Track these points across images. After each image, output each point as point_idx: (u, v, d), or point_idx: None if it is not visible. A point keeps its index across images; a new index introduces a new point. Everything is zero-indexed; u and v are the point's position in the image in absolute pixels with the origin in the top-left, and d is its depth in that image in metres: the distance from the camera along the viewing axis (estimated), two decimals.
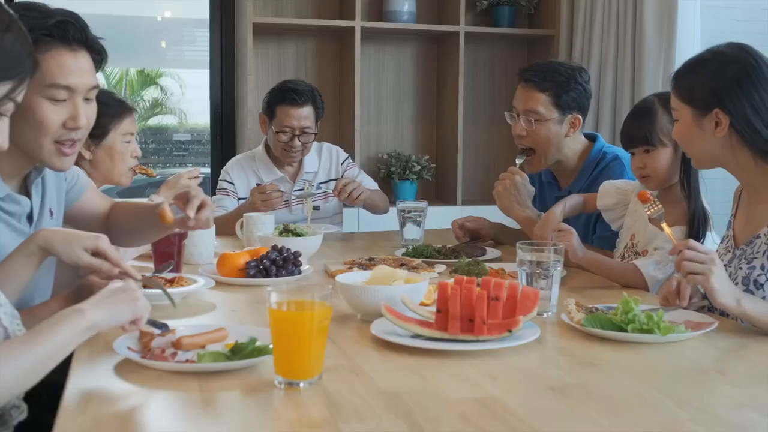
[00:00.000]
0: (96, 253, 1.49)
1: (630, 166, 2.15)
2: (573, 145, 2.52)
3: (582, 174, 2.51)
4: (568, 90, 2.45)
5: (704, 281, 1.53)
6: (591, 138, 2.56)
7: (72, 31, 1.56)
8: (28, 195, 1.67)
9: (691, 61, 1.77)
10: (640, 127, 2.05)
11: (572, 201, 2.26)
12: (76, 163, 2.14)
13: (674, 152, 2.02)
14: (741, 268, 1.69)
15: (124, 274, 1.51)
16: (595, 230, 2.43)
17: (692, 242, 1.57)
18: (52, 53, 1.54)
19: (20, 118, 1.50)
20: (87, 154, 2.31)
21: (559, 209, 2.19)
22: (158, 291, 1.65)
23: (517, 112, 2.50)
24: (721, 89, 1.66)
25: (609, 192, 2.25)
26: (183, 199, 1.80)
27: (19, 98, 1.30)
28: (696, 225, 1.98)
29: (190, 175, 2.60)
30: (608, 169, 2.46)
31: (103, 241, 1.50)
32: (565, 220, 2.21)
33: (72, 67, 1.56)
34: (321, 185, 3.16)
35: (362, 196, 2.89)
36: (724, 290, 1.53)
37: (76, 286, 1.59)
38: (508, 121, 2.55)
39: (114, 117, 2.33)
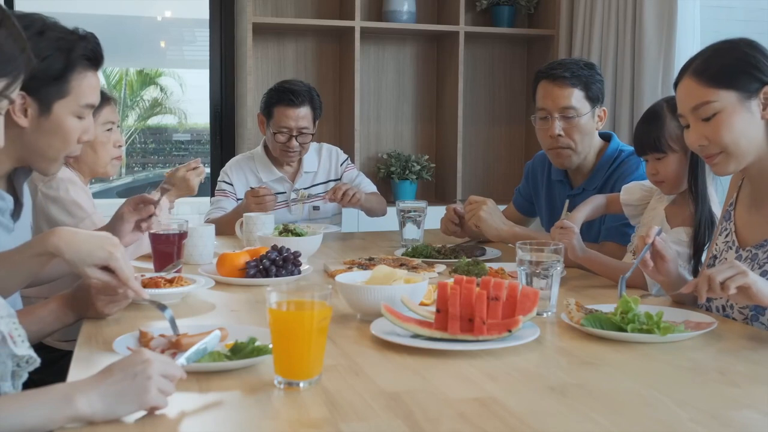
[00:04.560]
0: (106, 268, 1.48)
1: None
2: (594, 141, 2.52)
3: (597, 172, 2.50)
4: (594, 81, 2.46)
5: (747, 282, 1.44)
6: (605, 137, 2.56)
7: (100, 53, 1.68)
8: (14, 193, 1.70)
9: (708, 51, 1.67)
10: (648, 133, 2.03)
11: (595, 203, 2.26)
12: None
13: (684, 157, 2.01)
14: None
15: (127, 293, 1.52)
16: (604, 220, 2.43)
17: (709, 270, 1.50)
18: (88, 75, 1.65)
19: (48, 133, 1.62)
20: None
21: (582, 213, 2.18)
22: (159, 291, 1.66)
23: (548, 112, 2.46)
24: (762, 66, 1.61)
25: (633, 188, 2.24)
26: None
27: (14, 95, 1.30)
28: (702, 230, 1.97)
29: (189, 167, 2.60)
30: (625, 164, 2.45)
31: (114, 260, 1.46)
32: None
33: (96, 86, 1.69)
34: (319, 185, 3.16)
35: (357, 195, 2.89)
36: None
37: (75, 287, 1.59)
38: (535, 125, 2.51)
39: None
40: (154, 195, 2.47)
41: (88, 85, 1.65)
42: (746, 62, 1.61)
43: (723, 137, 1.62)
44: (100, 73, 1.72)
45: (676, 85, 1.71)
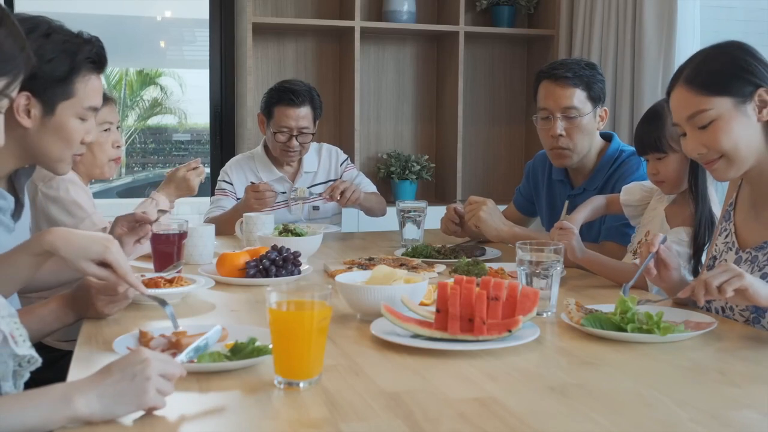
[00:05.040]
0: (103, 263, 1.48)
1: None
2: (595, 141, 2.52)
3: (598, 172, 2.50)
4: (595, 81, 2.46)
5: (744, 285, 1.43)
6: (606, 137, 2.56)
7: (104, 57, 1.71)
8: (15, 194, 1.72)
9: (698, 59, 1.67)
10: (648, 133, 2.03)
11: (595, 204, 2.26)
12: None
13: (685, 157, 2.00)
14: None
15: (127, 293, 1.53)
16: (604, 220, 2.43)
17: (705, 274, 1.50)
18: (92, 78, 1.68)
19: (51, 134, 1.65)
20: None
21: (581, 215, 2.18)
22: (159, 291, 1.66)
23: (549, 112, 2.46)
24: (754, 69, 1.60)
25: (633, 189, 2.24)
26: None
27: (14, 94, 1.30)
28: (702, 230, 1.97)
29: (189, 167, 2.60)
30: (625, 164, 2.45)
31: (111, 253, 1.47)
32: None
33: (99, 89, 1.72)
34: (319, 185, 3.16)
35: (354, 195, 2.88)
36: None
37: (75, 287, 1.59)
38: (537, 125, 2.51)
39: None
40: (149, 202, 2.47)
41: (92, 87, 1.68)
42: (737, 66, 1.61)
43: (722, 144, 1.61)
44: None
45: (668, 93, 1.70)
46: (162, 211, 2.29)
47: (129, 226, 1.91)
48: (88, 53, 1.65)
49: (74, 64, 1.63)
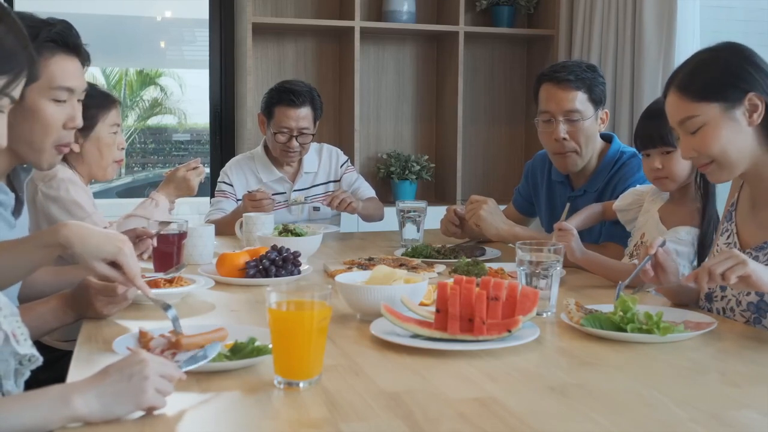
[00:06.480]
0: (114, 263, 1.47)
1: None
2: (596, 143, 2.51)
3: (599, 174, 2.49)
4: (596, 84, 2.46)
5: (747, 271, 1.44)
6: (606, 138, 2.56)
7: (71, 38, 1.66)
8: (14, 190, 1.71)
9: (690, 64, 1.68)
10: (657, 127, 2.01)
11: (590, 212, 2.26)
12: (65, 158, 2.19)
13: None
14: None
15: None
16: (605, 221, 2.42)
17: (708, 261, 1.50)
18: (56, 58, 1.63)
19: (26, 120, 1.60)
20: (76, 147, 2.30)
21: (575, 222, 2.18)
22: (159, 291, 1.66)
23: (551, 115, 2.45)
24: (744, 74, 1.61)
25: (626, 195, 2.25)
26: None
27: (15, 93, 1.28)
28: (710, 229, 1.97)
29: (188, 167, 2.60)
30: (626, 166, 2.45)
31: (123, 255, 1.46)
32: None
33: (72, 70, 1.65)
34: (319, 186, 3.16)
35: (352, 205, 2.89)
36: None
37: (75, 286, 1.59)
38: (538, 128, 2.51)
39: (101, 108, 2.34)
40: (149, 202, 2.47)
41: (57, 67, 1.63)
42: (728, 73, 1.62)
43: (710, 149, 1.63)
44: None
45: (664, 97, 1.72)
46: (164, 223, 2.25)
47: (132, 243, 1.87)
48: (47, 33, 1.61)
49: (35, 45, 1.60)
